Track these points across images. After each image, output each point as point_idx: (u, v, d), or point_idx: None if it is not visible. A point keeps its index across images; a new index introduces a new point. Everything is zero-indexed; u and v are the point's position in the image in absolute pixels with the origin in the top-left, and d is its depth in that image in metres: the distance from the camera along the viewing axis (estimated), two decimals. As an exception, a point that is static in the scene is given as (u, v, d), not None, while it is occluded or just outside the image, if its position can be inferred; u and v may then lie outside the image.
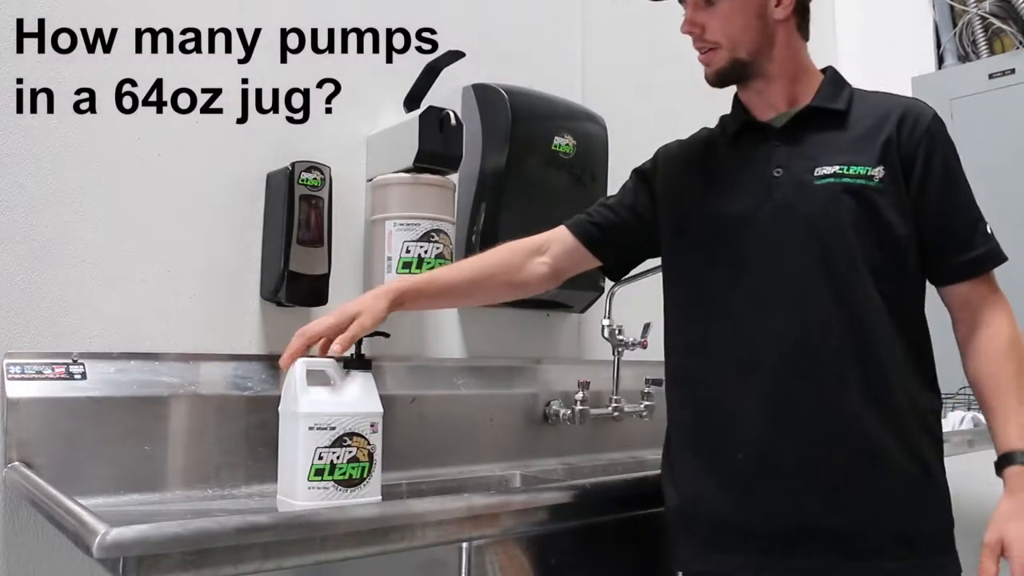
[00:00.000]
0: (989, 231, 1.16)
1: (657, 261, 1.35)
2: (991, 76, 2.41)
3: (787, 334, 1.12)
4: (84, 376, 1.28)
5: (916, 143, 1.14)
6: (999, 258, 1.16)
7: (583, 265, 1.36)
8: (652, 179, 1.32)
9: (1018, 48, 2.46)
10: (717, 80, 1.20)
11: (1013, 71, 2.37)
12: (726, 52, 1.18)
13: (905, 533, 1.08)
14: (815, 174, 1.14)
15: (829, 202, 1.13)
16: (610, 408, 1.87)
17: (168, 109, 1.42)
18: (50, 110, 1.31)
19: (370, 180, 1.61)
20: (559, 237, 1.34)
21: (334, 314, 1.22)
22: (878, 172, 1.13)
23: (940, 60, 2.62)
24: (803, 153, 1.17)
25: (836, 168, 1.13)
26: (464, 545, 1.14)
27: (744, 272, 1.17)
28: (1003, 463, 1.08)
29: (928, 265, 1.16)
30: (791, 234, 1.14)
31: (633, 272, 1.46)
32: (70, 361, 1.28)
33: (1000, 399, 1.10)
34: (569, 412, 1.80)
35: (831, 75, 1.24)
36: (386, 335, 1.30)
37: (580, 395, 1.81)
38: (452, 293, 1.34)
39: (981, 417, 1.86)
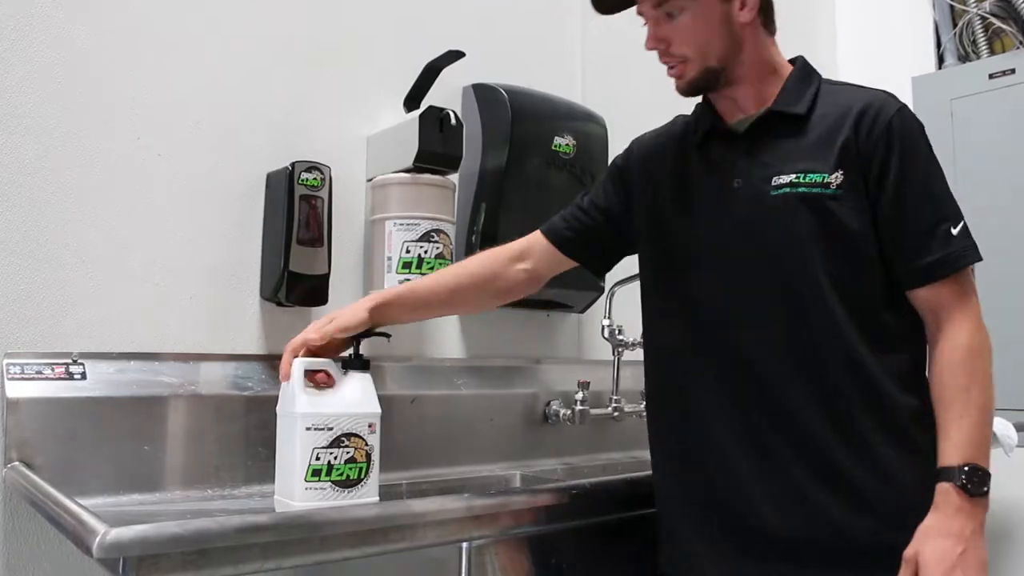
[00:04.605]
0: (955, 232, 1.09)
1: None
2: (991, 76, 2.41)
3: (747, 356, 1.13)
4: (84, 376, 1.28)
5: (874, 142, 1.09)
6: (961, 261, 1.09)
7: (563, 267, 1.37)
8: (627, 175, 1.32)
9: (1018, 48, 2.46)
10: (690, 91, 1.19)
11: (1013, 71, 2.37)
12: (696, 63, 1.15)
13: (859, 545, 1.06)
14: (772, 184, 1.12)
15: (784, 215, 1.11)
16: (610, 408, 1.87)
17: (168, 109, 1.42)
18: (51, 109, 1.31)
19: (370, 180, 1.61)
20: (536, 242, 1.35)
21: (316, 322, 1.26)
22: (835, 178, 1.09)
23: (940, 60, 2.62)
24: (762, 161, 1.15)
25: (792, 177, 1.11)
26: (464, 545, 1.14)
27: (707, 293, 1.17)
28: (937, 478, 1.05)
29: (889, 269, 1.11)
30: (749, 253, 1.13)
31: (632, 272, 1.46)
32: (70, 361, 1.28)
33: (945, 412, 1.06)
34: (569, 412, 1.80)
35: (798, 70, 1.19)
36: (387, 336, 1.31)
37: (580, 395, 1.81)
38: (433, 302, 1.35)
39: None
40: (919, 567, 1.01)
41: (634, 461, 1.89)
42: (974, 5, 2.52)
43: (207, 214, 1.45)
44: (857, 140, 1.10)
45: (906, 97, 2.59)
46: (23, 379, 1.23)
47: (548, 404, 1.82)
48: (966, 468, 1.03)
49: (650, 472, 1.28)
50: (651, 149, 1.31)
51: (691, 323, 1.19)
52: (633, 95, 2.04)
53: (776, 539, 1.10)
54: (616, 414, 1.87)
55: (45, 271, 1.29)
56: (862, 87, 1.18)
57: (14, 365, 1.23)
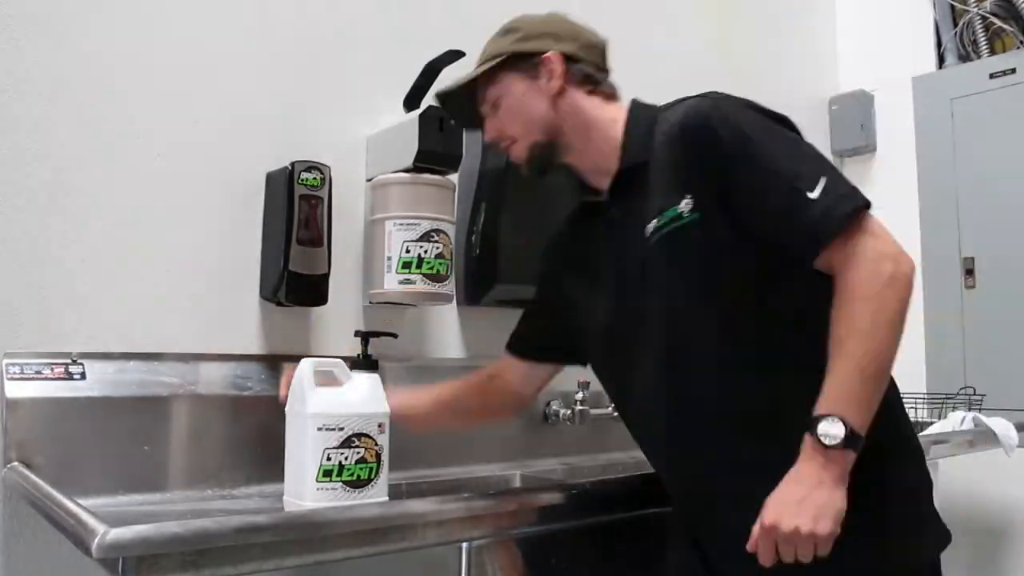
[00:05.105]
0: (814, 195, 1.01)
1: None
2: (992, 76, 2.41)
3: (664, 406, 1.14)
4: (83, 376, 1.28)
5: (698, 158, 1.07)
6: (830, 221, 1.01)
7: (549, 374, 1.39)
8: (546, 278, 1.36)
9: (1019, 48, 2.45)
10: (531, 168, 1.23)
11: (1014, 71, 2.37)
12: (523, 140, 1.20)
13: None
14: (645, 234, 1.12)
15: (659, 257, 1.11)
16: (610, 408, 1.86)
17: (168, 109, 1.42)
18: (51, 109, 1.31)
19: (370, 180, 1.61)
20: (512, 365, 1.37)
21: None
22: (684, 205, 1.07)
23: (941, 60, 2.62)
24: (632, 218, 1.15)
25: (655, 222, 1.10)
26: (464, 545, 1.14)
27: (624, 359, 1.19)
28: (808, 425, 0.99)
29: (785, 256, 1.06)
30: (646, 306, 1.14)
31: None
32: (69, 361, 1.28)
33: (833, 351, 1.00)
34: (569, 412, 1.80)
35: (632, 117, 1.19)
36: (394, 335, 1.31)
37: (580, 395, 1.81)
38: (431, 422, 1.40)
39: (982, 417, 1.87)
40: (763, 509, 0.98)
41: (634, 461, 1.88)
42: (974, 5, 2.52)
43: (207, 214, 1.45)
44: (688, 162, 1.08)
45: (907, 97, 2.60)
46: (23, 379, 1.23)
47: (548, 404, 1.82)
48: (822, 419, 0.97)
49: (649, 471, 1.28)
50: (554, 246, 1.35)
51: (622, 394, 1.26)
52: (633, 95, 2.03)
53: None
54: (616, 414, 1.86)
55: (44, 271, 1.29)
56: (682, 104, 1.14)
57: (14, 365, 1.23)
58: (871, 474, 1.02)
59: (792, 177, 1.04)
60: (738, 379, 1.08)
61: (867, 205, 1.03)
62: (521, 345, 1.37)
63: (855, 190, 1.04)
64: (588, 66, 1.21)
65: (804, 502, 0.95)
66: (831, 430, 0.97)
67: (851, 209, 1.02)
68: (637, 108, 1.21)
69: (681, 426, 1.13)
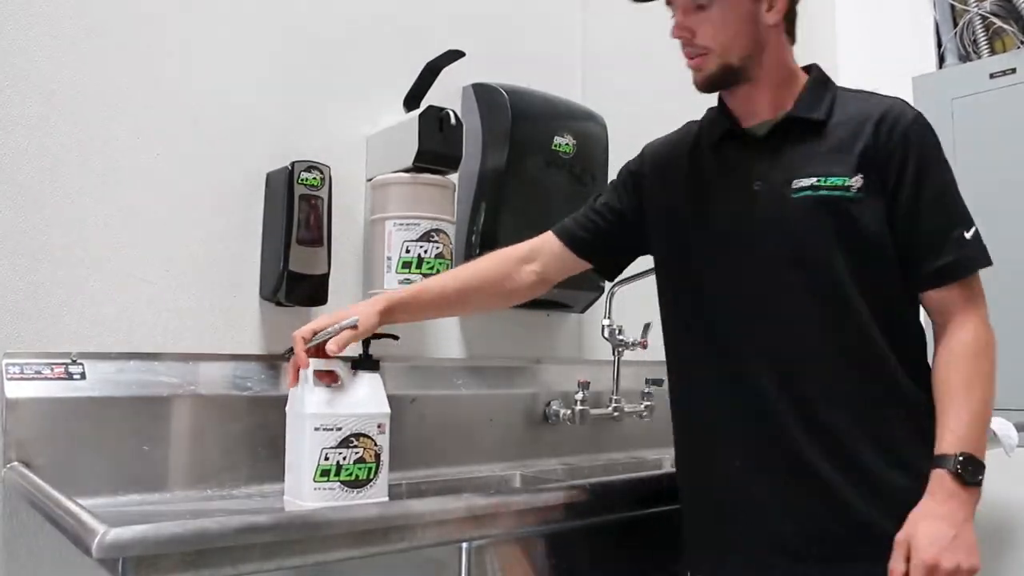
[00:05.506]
0: (968, 237, 1.12)
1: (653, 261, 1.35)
2: (992, 76, 2.41)
3: (769, 354, 1.14)
4: (83, 376, 1.28)
5: (891, 148, 1.12)
6: (973, 265, 1.12)
7: (574, 269, 1.37)
8: (640, 179, 1.32)
9: (1019, 48, 2.45)
10: (706, 86, 1.19)
11: (1014, 71, 2.37)
12: (717, 58, 1.15)
13: (883, 539, 1.07)
14: (793, 187, 1.14)
15: (807, 216, 1.12)
16: (610, 408, 1.87)
17: (167, 108, 1.42)
18: (50, 109, 1.31)
19: (370, 180, 1.61)
20: (547, 243, 1.35)
21: (327, 316, 1.24)
22: (856, 181, 1.12)
23: (941, 60, 2.62)
24: (782, 164, 1.16)
25: (813, 180, 1.13)
26: (464, 545, 1.14)
27: (728, 292, 1.17)
28: (932, 465, 1.07)
29: (903, 272, 1.14)
30: (772, 252, 1.14)
31: (632, 272, 1.46)
32: (69, 361, 1.28)
33: (946, 404, 1.09)
34: (569, 412, 1.80)
35: (814, 77, 1.21)
36: (395, 338, 1.31)
37: (580, 395, 1.81)
38: (442, 303, 1.35)
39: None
40: (911, 549, 1.03)
41: (634, 461, 1.89)
42: (975, 5, 2.52)
43: (206, 214, 1.45)
44: (876, 145, 1.12)
45: (907, 97, 2.59)
46: (22, 379, 1.23)
47: (548, 404, 1.82)
48: (961, 457, 1.05)
49: (651, 472, 1.28)
50: (664, 153, 1.32)
51: (712, 324, 1.19)
52: (633, 95, 2.03)
53: (802, 536, 1.11)
54: (616, 414, 1.87)
55: (44, 271, 1.29)
56: (878, 94, 1.20)
57: (13, 365, 1.23)
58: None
59: (956, 212, 1.13)
60: (848, 344, 1.12)
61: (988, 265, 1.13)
62: (576, 236, 1.34)
63: (987, 250, 1.14)
64: (795, 9, 1.20)
65: (958, 539, 1.02)
66: (972, 467, 1.05)
67: (986, 263, 1.13)
68: (822, 72, 1.22)
69: (784, 356, 1.13)
